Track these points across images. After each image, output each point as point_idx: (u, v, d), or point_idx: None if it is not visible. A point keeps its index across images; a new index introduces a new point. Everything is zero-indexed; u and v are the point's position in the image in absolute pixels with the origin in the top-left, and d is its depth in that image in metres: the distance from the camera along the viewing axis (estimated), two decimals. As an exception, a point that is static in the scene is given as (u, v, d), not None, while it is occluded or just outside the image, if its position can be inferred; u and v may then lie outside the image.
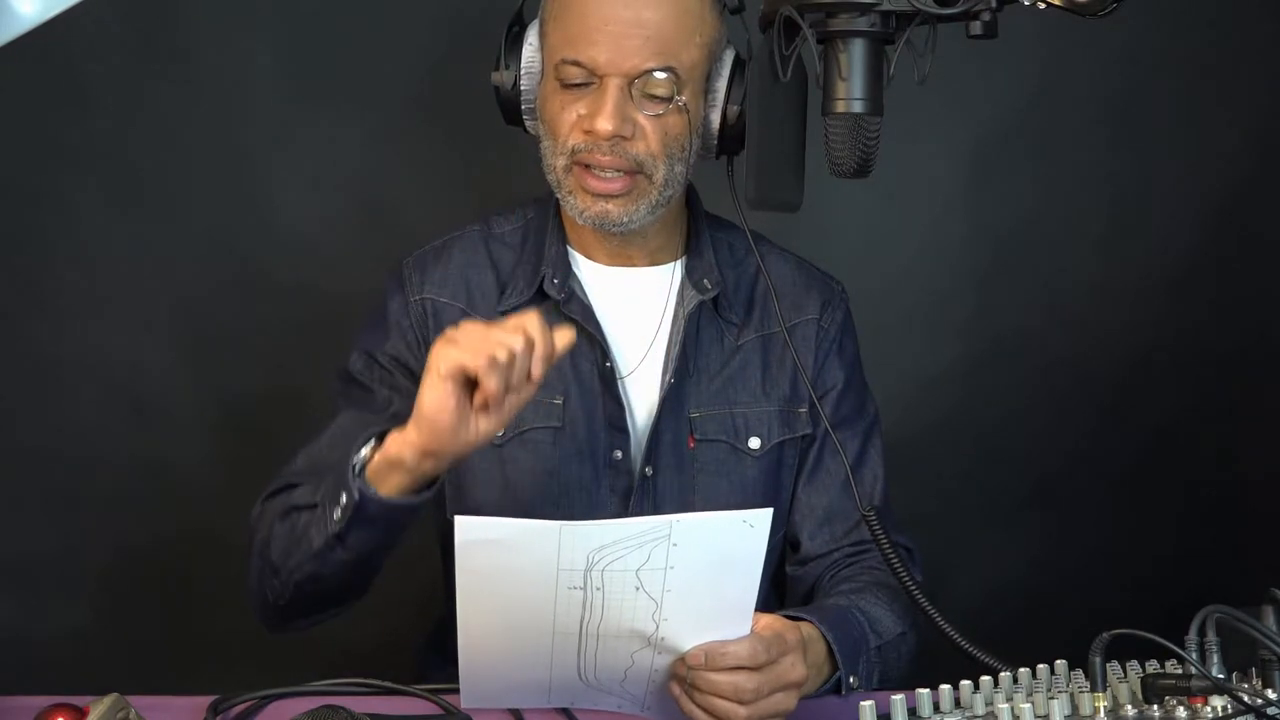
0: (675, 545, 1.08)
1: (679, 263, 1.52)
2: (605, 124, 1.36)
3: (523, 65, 1.43)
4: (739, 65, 1.44)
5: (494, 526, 1.09)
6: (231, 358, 2.23)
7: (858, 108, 1.16)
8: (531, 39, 1.44)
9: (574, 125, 1.39)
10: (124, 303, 2.20)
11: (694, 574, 1.10)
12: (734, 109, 1.43)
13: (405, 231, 2.08)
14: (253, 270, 2.21)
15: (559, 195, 1.44)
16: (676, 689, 1.17)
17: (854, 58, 1.16)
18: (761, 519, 1.09)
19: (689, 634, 1.14)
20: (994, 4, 1.12)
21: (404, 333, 1.50)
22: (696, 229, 1.53)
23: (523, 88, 1.44)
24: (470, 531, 1.08)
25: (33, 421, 2.20)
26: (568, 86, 1.39)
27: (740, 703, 1.14)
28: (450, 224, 1.59)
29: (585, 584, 1.09)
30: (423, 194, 2.20)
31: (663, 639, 1.14)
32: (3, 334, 2.18)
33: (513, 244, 1.53)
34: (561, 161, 1.41)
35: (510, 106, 1.45)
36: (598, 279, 1.50)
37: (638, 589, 1.10)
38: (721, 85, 1.43)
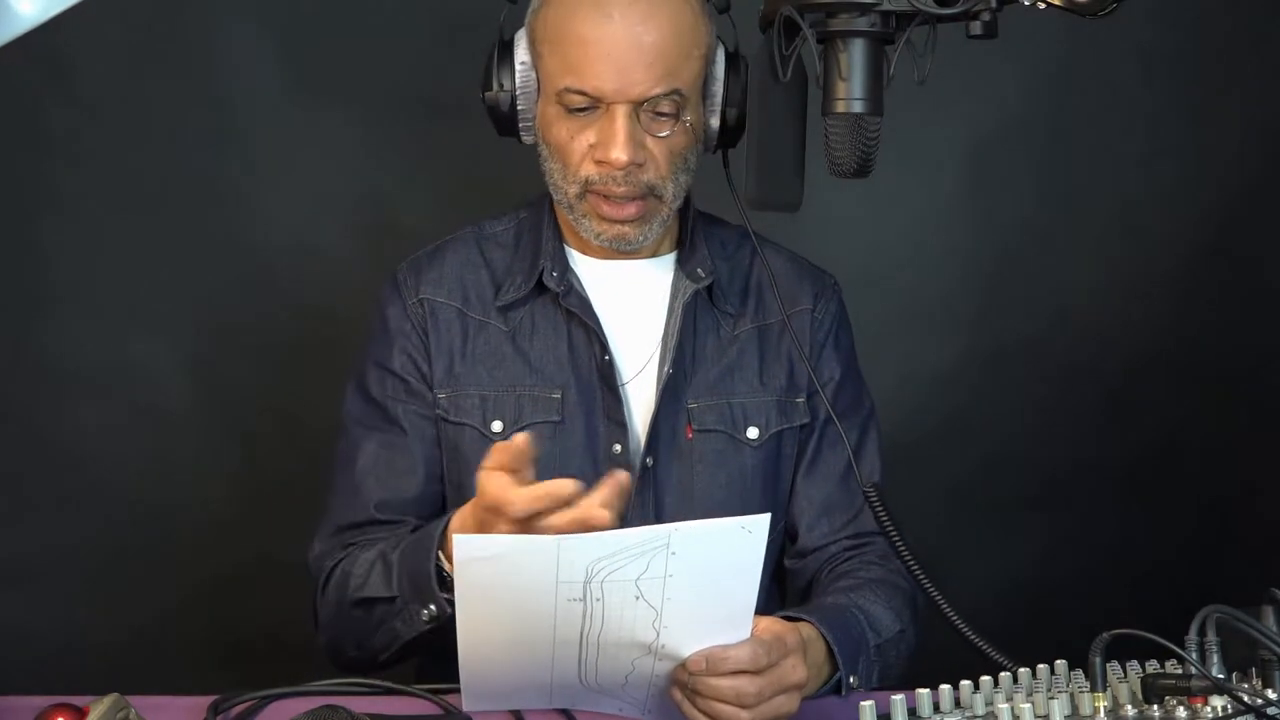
0: (674, 554, 1.08)
1: (672, 256, 1.53)
2: (620, 155, 1.37)
3: (517, 84, 1.43)
4: (731, 62, 1.44)
5: (492, 544, 1.09)
6: (232, 358, 2.23)
7: (858, 108, 1.16)
8: (522, 55, 1.42)
9: (585, 155, 1.40)
10: (124, 304, 2.20)
11: (693, 581, 1.10)
12: (733, 111, 1.43)
13: (404, 233, 2.08)
14: (253, 271, 2.21)
15: (571, 218, 1.45)
16: (678, 694, 1.17)
17: (854, 58, 1.16)
18: (759, 525, 1.09)
19: (689, 640, 1.14)
20: (994, 4, 1.12)
21: (407, 336, 1.51)
22: (689, 223, 1.53)
23: (519, 108, 1.43)
24: (469, 549, 1.08)
25: (33, 421, 2.20)
26: (572, 112, 1.39)
27: (742, 706, 1.14)
28: (448, 225, 1.59)
29: (585, 595, 1.09)
30: (421, 195, 2.21)
31: (663, 646, 1.14)
32: (3, 335, 2.18)
33: (506, 243, 1.54)
34: (574, 189, 1.42)
35: (506, 123, 1.45)
36: (593, 273, 1.51)
37: (637, 598, 1.10)
38: (718, 88, 1.43)
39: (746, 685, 1.14)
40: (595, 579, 1.08)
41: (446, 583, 1.29)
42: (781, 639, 1.18)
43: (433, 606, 1.31)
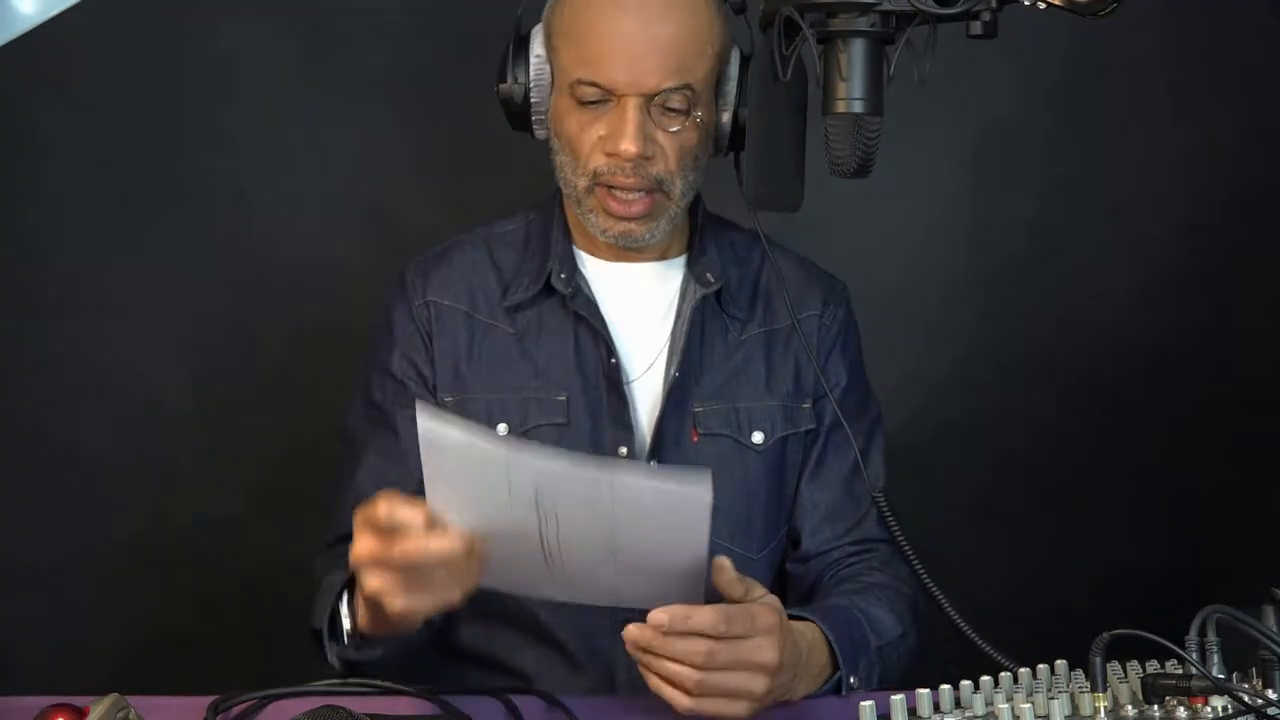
0: (617, 495, 1.07)
1: (682, 259, 1.53)
2: (629, 146, 1.37)
3: (532, 77, 1.43)
4: (745, 64, 1.44)
5: (451, 428, 1.08)
6: (232, 358, 2.23)
7: (858, 108, 1.16)
8: (538, 49, 1.43)
9: (595, 146, 1.40)
10: (124, 303, 2.20)
11: (638, 521, 1.09)
12: (745, 111, 1.43)
13: (408, 233, 2.08)
14: (253, 270, 2.21)
15: (579, 213, 1.45)
16: (640, 665, 1.17)
17: (854, 58, 1.16)
18: (699, 490, 1.08)
19: (645, 566, 1.13)
20: (994, 4, 1.12)
21: (410, 340, 1.51)
22: (699, 226, 1.53)
23: (533, 100, 1.44)
24: (430, 422, 1.08)
25: (34, 423, 2.20)
26: (584, 105, 1.39)
27: (693, 666, 1.13)
28: (453, 224, 1.59)
29: (536, 506, 1.08)
30: (426, 195, 2.21)
31: (620, 561, 1.13)
32: (4, 335, 2.18)
33: (515, 243, 1.54)
34: (583, 182, 1.42)
35: (519, 116, 1.45)
36: (602, 275, 1.51)
37: (590, 515, 1.09)
38: (731, 88, 1.44)
39: (697, 645, 1.13)
40: (544, 495, 1.07)
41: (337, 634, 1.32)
42: (752, 614, 1.16)
43: (331, 650, 1.32)
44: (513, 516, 1.09)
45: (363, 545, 1.15)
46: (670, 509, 1.09)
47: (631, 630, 1.15)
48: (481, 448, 1.07)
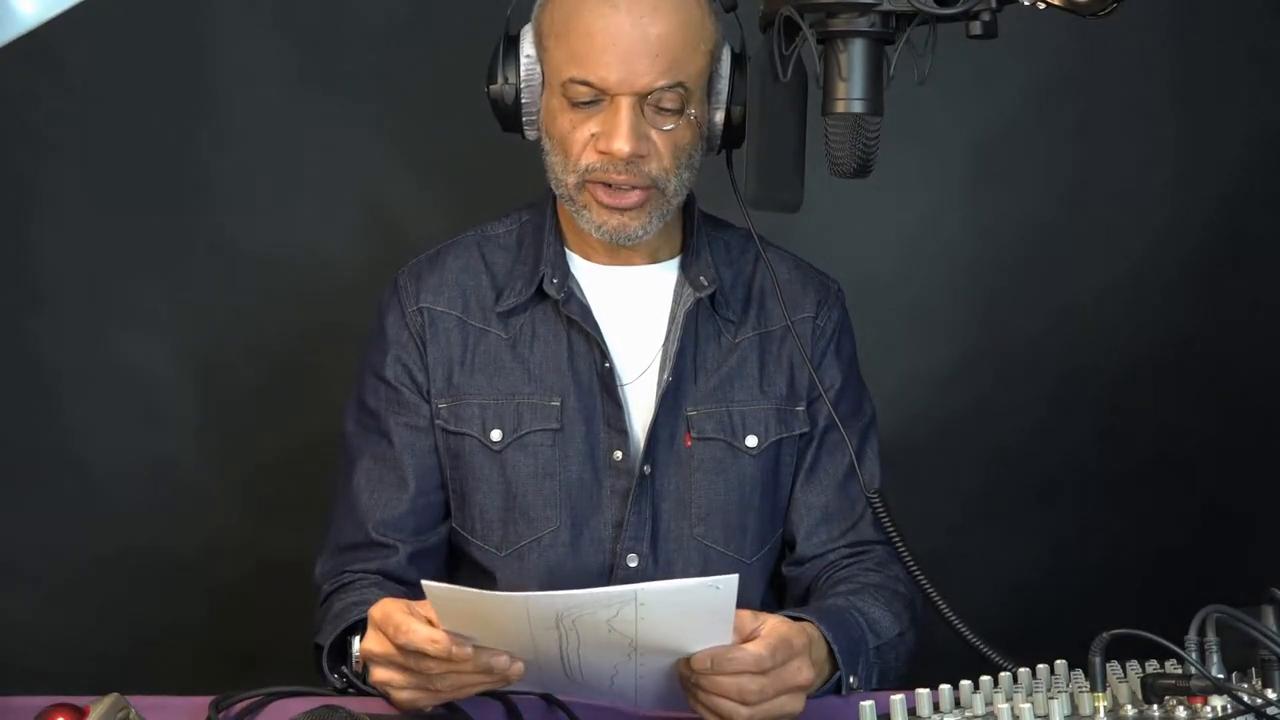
0: (643, 605, 1.09)
1: (675, 261, 1.52)
2: (623, 146, 1.36)
3: (522, 77, 1.43)
4: (737, 62, 1.44)
5: (461, 595, 1.10)
6: (231, 358, 2.23)
7: (858, 108, 1.16)
8: (528, 49, 1.42)
9: (587, 144, 1.39)
10: (124, 303, 2.20)
11: (665, 626, 1.12)
12: (737, 109, 1.43)
13: (405, 232, 2.09)
14: (253, 271, 2.21)
15: (571, 210, 1.44)
16: (682, 683, 1.17)
17: (854, 58, 1.16)
18: (728, 583, 1.10)
19: (667, 658, 1.16)
20: (994, 4, 1.12)
21: (403, 346, 1.50)
22: (692, 228, 1.53)
23: (523, 101, 1.43)
24: (438, 596, 1.10)
25: (33, 421, 2.20)
26: (576, 105, 1.39)
27: (744, 704, 1.15)
28: (448, 224, 1.59)
29: (558, 628, 1.11)
30: (422, 194, 2.21)
31: (641, 662, 1.15)
32: (2, 334, 2.18)
33: (508, 246, 1.53)
34: (573, 179, 1.41)
35: (509, 117, 1.45)
36: (595, 279, 1.50)
37: (610, 631, 1.11)
38: (723, 86, 1.43)
39: (749, 683, 1.14)
40: (566, 619, 1.10)
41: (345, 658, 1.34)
42: (788, 641, 1.18)
43: (336, 678, 1.34)
44: (532, 638, 1.12)
45: (374, 642, 1.18)
46: (698, 601, 1.11)
47: (681, 667, 1.16)
48: (498, 597, 1.10)
